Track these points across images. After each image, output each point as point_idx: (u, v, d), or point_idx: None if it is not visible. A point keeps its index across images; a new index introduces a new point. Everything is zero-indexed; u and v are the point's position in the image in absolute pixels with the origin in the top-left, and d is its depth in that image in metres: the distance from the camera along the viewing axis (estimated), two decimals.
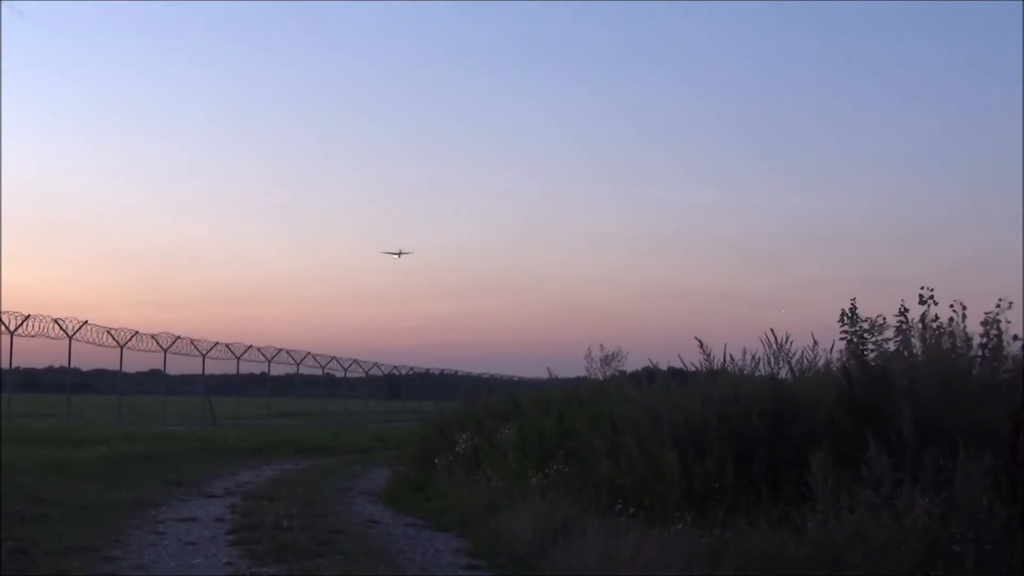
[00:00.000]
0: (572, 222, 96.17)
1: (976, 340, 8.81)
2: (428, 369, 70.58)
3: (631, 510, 9.02)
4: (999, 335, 8.70)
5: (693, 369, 10.87)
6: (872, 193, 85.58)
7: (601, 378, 16.86)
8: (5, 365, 33.60)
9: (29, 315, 33.85)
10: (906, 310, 9.05)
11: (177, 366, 58.76)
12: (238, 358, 45.90)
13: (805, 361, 9.95)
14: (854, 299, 9.50)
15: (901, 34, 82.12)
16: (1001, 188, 72.85)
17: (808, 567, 6.90)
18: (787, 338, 10.02)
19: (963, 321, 8.87)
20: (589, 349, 17.87)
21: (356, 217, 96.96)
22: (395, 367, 67.53)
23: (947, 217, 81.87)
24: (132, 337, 38.71)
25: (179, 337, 41.60)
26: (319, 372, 56.65)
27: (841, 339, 9.51)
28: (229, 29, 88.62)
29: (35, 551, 8.67)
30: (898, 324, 9.10)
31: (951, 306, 8.91)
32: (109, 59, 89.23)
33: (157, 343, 40.30)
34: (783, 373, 10.03)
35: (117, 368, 40.46)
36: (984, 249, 71.33)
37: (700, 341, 10.48)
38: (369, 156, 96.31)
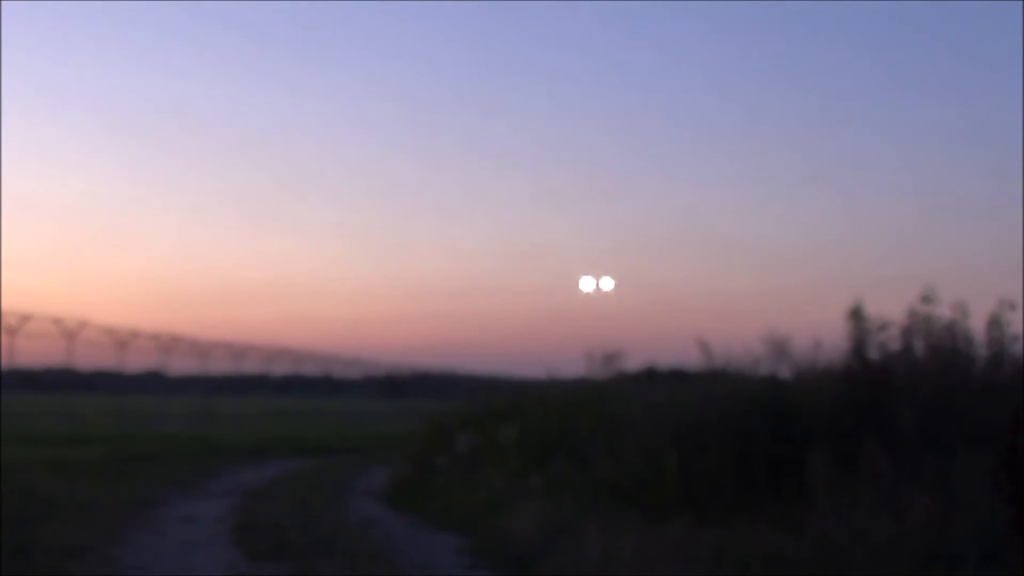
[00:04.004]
0: (572, 222, 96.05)
1: (977, 339, 8.83)
2: (428, 369, 70.71)
3: (631, 510, 9.01)
4: (1000, 335, 8.70)
5: (694, 369, 10.89)
6: (872, 193, 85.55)
7: (601, 378, 16.82)
8: (5, 365, 33.69)
9: (29, 315, 33.95)
10: (915, 312, 9.06)
11: (177, 366, 58.92)
12: (238, 358, 46.03)
13: (806, 360, 9.95)
14: (860, 299, 9.51)
15: (900, 34, 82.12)
16: (1001, 188, 72.77)
17: (808, 567, 6.89)
18: (787, 337, 10.04)
19: (965, 320, 8.88)
20: (589, 349, 17.81)
21: (356, 216, 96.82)
22: (395, 367, 67.67)
23: (948, 217, 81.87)
24: (132, 337, 38.80)
25: (179, 337, 41.72)
26: (319, 372, 56.79)
27: (845, 338, 9.51)
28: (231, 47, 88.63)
29: (35, 551, 8.66)
30: (905, 325, 9.10)
31: (944, 311, 8.92)
32: (108, 59, 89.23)
33: (157, 343, 40.40)
34: (784, 372, 10.04)
35: (117, 368, 40.61)
36: (985, 250, 71.31)
37: (702, 340, 10.51)
38: (369, 155, 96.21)
